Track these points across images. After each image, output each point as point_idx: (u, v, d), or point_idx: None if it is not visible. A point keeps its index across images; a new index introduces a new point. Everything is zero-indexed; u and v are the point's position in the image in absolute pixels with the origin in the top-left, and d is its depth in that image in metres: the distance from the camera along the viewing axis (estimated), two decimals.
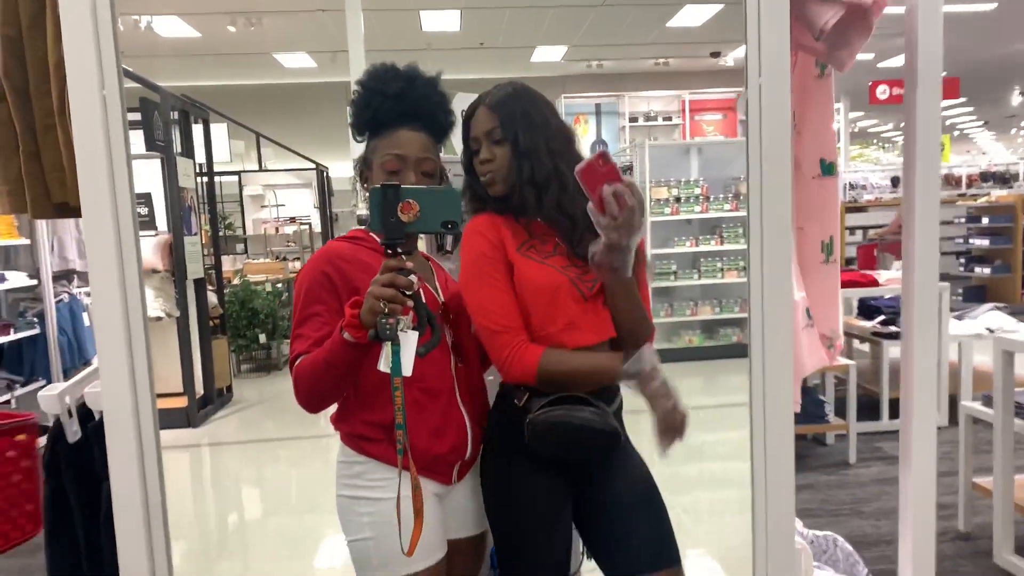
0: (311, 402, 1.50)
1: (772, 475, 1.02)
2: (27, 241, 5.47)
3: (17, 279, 5.40)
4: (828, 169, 1.35)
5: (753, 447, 1.01)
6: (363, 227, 1.72)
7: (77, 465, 1.71)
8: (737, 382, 6.21)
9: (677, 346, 7.41)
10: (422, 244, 1.99)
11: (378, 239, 1.50)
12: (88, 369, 1.85)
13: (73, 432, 1.71)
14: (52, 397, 1.70)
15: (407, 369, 1.31)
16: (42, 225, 5.34)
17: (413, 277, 1.31)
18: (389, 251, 1.31)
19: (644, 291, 1.62)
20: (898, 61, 13.32)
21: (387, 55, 1.72)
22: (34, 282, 5.47)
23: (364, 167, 1.67)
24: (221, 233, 8.41)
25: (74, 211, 1.45)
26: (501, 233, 1.58)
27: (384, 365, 1.31)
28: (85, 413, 1.75)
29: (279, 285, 8.57)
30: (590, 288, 1.56)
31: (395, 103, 1.60)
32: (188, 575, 3.54)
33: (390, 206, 1.28)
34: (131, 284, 1.34)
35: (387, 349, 1.30)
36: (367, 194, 1.58)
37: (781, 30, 1.03)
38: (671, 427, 1.45)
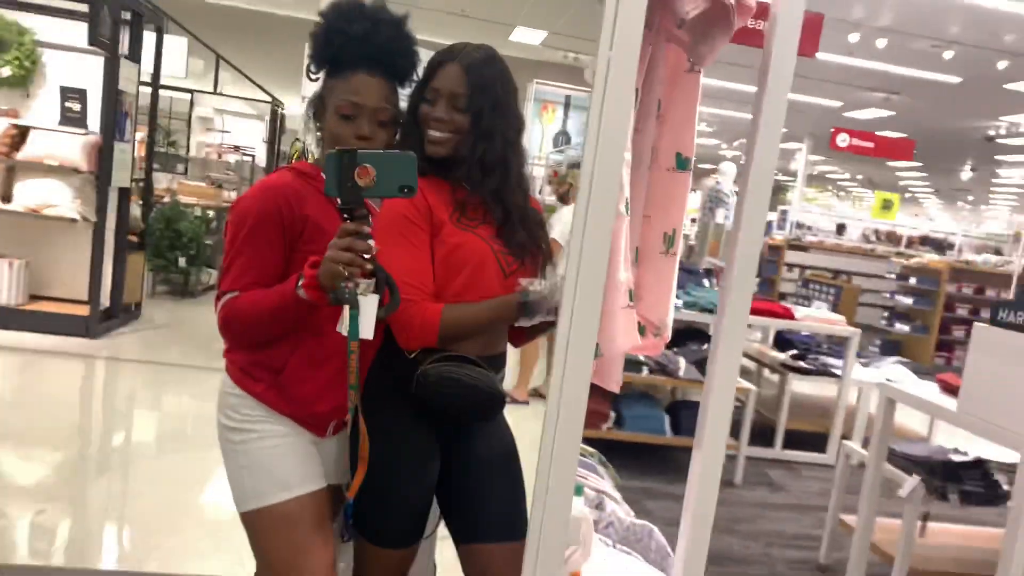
0: (242, 343, 1.55)
1: (560, 441, 1.03)
2: None
3: None
4: (683, 164, 1.36)
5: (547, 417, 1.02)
6: (311, 162, 1.66)
7: None
8: None
9: None
10: None
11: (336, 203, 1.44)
12: None
13: None
14: None
15: (367, 332, 1.32)
16: None
17: (372, 242, 1.31)
18: (346, 215, 1.31)
19: None
20: (865, 113, 13.65)
21: None
22: None
23: (319, 104, 1.60)
24: (162, 149, 8.10)
25: None
26: (428, 199, 1.52)
27: (344, 328, 1.33)
28: None
29: (210, 212, 8.30)
30: (509, 265, 1.57)
31: (357, 45, 1.53)
32: (61, 487, 3.42)
33: (346, 171, 1.26)
34: None
35: (346, 313, 1.32)
36: (318, 132, 1.60)
37: (638, 8, 1.02)
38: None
